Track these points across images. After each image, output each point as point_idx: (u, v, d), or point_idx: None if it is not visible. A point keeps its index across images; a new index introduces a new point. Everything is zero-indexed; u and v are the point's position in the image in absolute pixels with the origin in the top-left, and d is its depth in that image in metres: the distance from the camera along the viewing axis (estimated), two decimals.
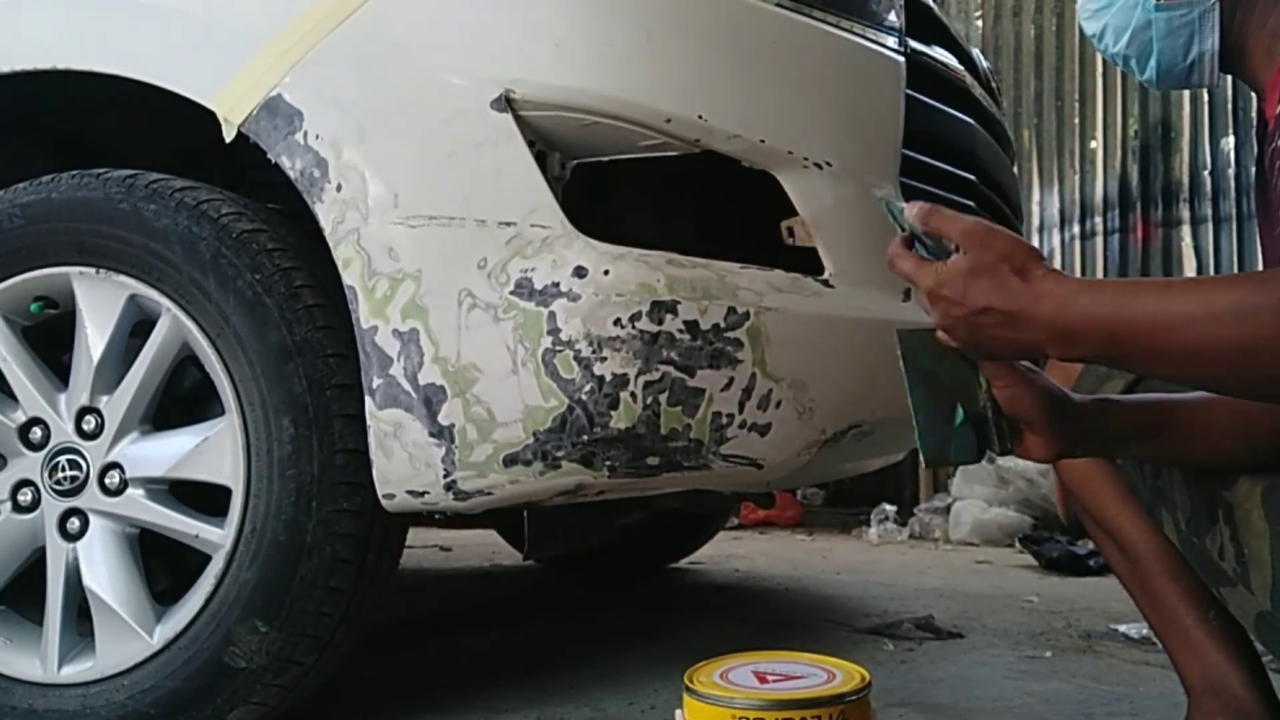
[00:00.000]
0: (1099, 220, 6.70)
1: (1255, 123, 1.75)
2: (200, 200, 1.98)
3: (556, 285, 1.75)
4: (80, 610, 2.04)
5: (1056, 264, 6.59)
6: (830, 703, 1.32)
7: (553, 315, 1.74)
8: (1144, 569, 1.82)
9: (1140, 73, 1.73)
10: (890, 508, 6.27)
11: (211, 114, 1.95)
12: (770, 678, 1.41)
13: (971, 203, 2.39)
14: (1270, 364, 1.19)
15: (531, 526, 2.36)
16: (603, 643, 3.14)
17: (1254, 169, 1.85)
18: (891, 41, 2.13)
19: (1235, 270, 6.21)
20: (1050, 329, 1.29)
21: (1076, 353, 1.31)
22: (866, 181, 2.02)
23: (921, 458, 1.48)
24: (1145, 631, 2.96)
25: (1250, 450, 1.49)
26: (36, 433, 2.07)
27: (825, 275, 1.95)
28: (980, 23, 7.20)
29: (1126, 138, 6.66)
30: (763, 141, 1.89)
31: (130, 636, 1.97)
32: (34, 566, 2.09)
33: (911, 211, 1.40)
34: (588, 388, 1.75)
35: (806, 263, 1.95)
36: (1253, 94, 1.72)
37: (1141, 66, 1.72)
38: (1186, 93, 6.38)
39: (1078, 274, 6.74)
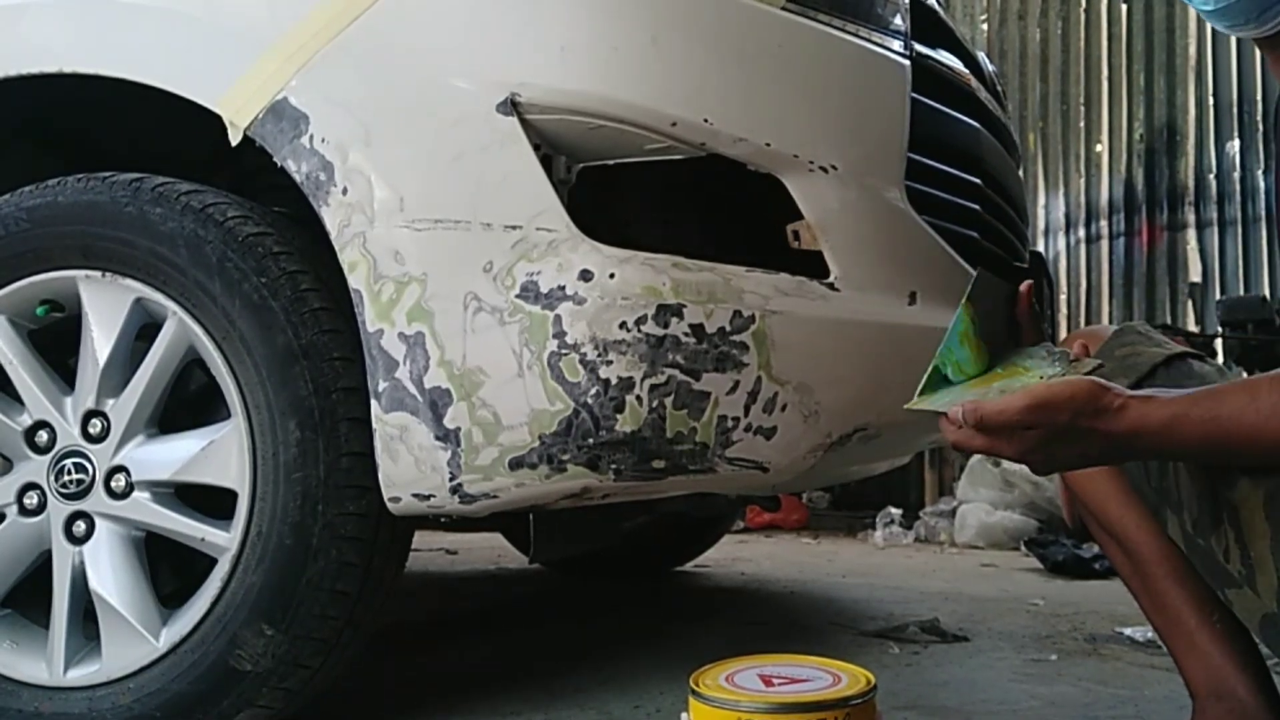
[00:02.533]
0: (1104, 224, 6.70)
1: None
2: (206, 204, 1.98)
3: (562, 288, 1.75)
4: (86, 613, 2.04)
5: (1062, 267, 6.61)
6: (835, 706, 1.32)
7: (558, 318, 1.75)
8: (1147, 571, 1.81)
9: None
10: (896, 511, 6.27)
11: (217, 117, 1.95)
12: (776, 681, 1.41)
13: (976, 206, 2.39)
14: None
15: (537, 530, 2.36)
16: (608, 646, 3.15)
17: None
18: (897, 45, 2.13)
19: (1240, 274, 6.22)
20: (1152, 454, 1.44)
21: (1175, 454, 1.43)
22: (872, 185, 2.03)
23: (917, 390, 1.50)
24: (1150, 635, 2.96)
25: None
26: (43, 436, 2.07)
27: (831, 279, 1.95)
28: (986, 26, 7.21)
29: (1132, 141, 6.67)
30: (768, 145, 1.89)
31: (136, 640, 1.97)
32: (40, 570, 2.09)
33: (957, 414, 1.43)
34: (593, 391, 1.75)
35: (812, 266, 1.95)
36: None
37: None
38: (1192, 96, 6.39)
39: (1083, 277, 6.74)
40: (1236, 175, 6.26)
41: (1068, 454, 1.40)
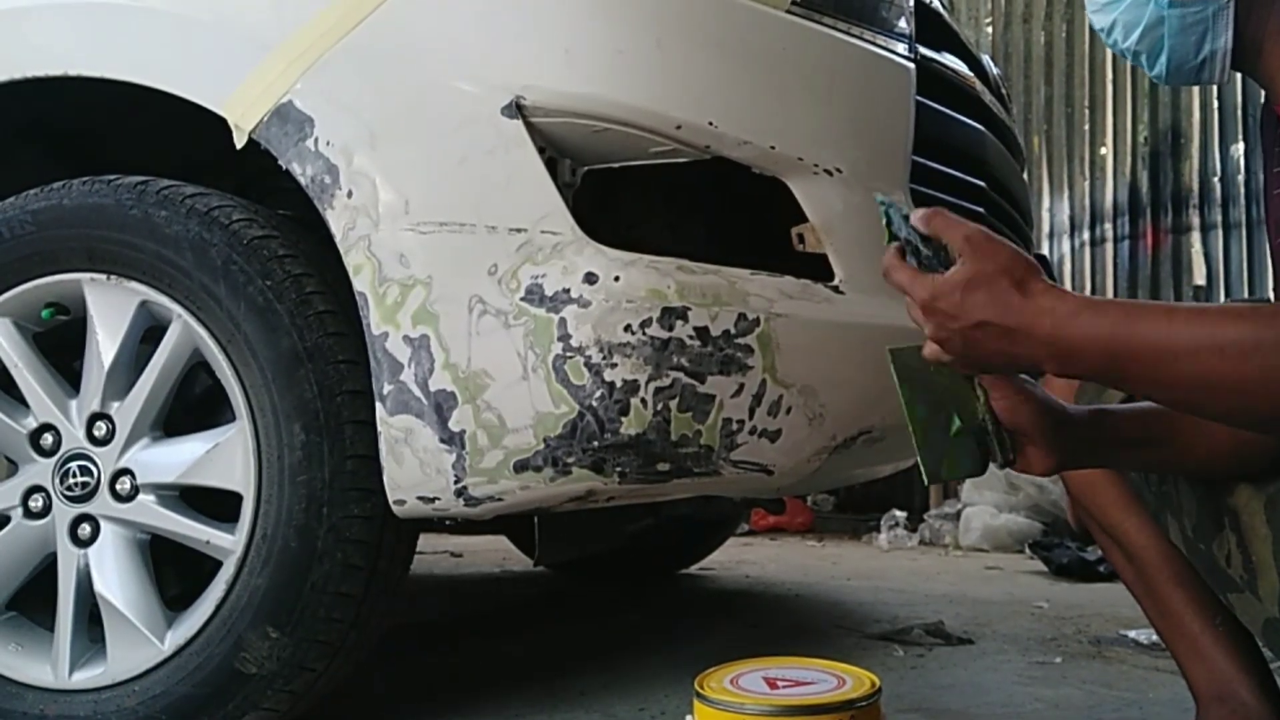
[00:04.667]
0: (1109, 226, 6.70)
1: (1262, 124, 1.74)
2: (211, 207, 1.98)
3: (567, 291, 1.75)
4: (91, 616, 2.04)
5: (1067, 270, 6.60)
6: (840, 708, 1.32)
7: (563, 321, 1.75)
8: (1150, 575, 1.81)
9: (1150, 68, 1.72)
10: (900, 514, 6.26)
11: (223, 120, 1.95)
12: (780, 683, 1.41)
13: (981, 209, 2.39)
14: (1273, 401, 1.20)
15: (542, 532, 2.37)
16: (613, 648, 3.15)
17: (1263, 175, 1.84)
18: (902, 48, 2.13)
19: (1245, 277, 6.21)
20: (1049, 346, 1.29)
21: (1074, 371, 1.32)
22: (876, 188, 2.03)
23: (924, 475, 1.48)
24: (1155, 637, 2.95)
25: (1243, 464, 1.49)
26: (48, 439, 2.08)
27: (835, 281, 1.95)
28: (990, 29, 7.20)
29: (1136, 144, 6.66)
30: (773, 148, 1.89)
31: (141, 642, 1.97)
32: (45, 572, 2.09)
33: (917, 216, 1.40)
34: (598, 394, 1.75)
35: (816, 269, 1.95)
36: (1262, 100, 1.71)
37: (1151, 63, 1.70)
38: (1196, 99, 6.38)
39: (1088, 280, 6.73)
40: (1241, 178, 6.25)
41: (971, 310, 1.31)
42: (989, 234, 1.34)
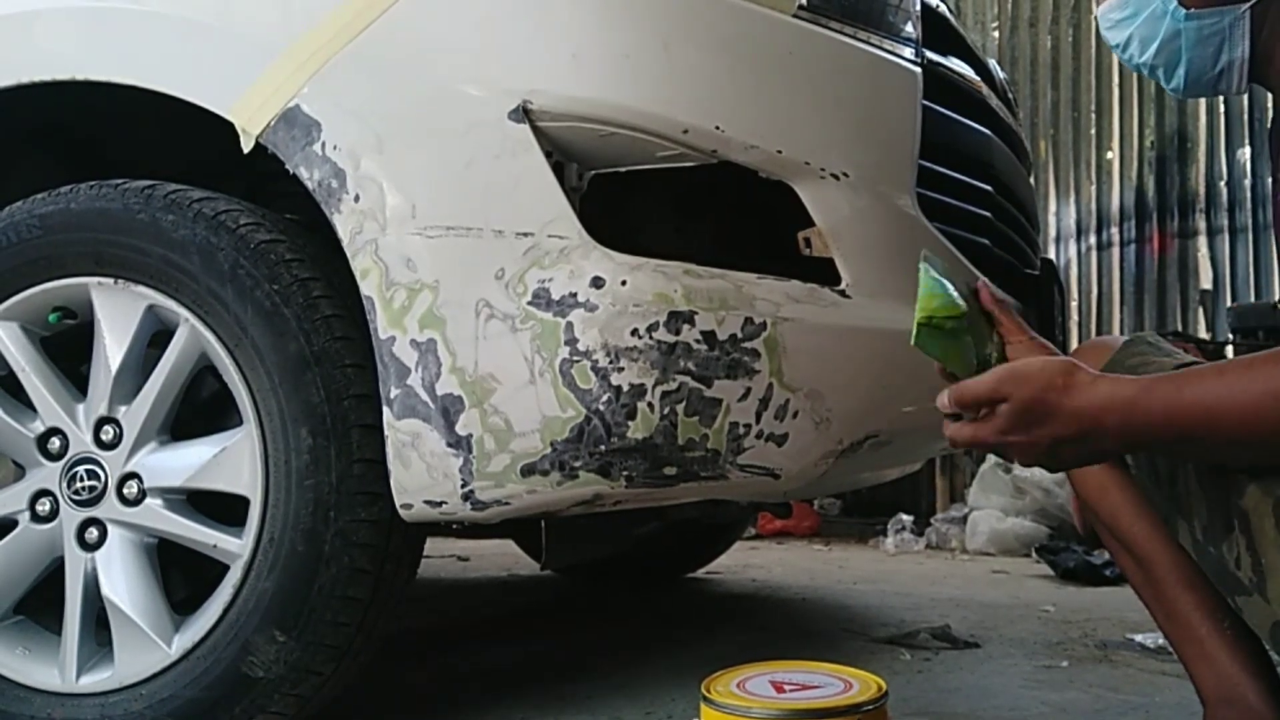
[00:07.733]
0: (1115, 231, 6.69)
1: (1271, 132, 1.74)
2: (218, 211, 1.99)
3: (574, 295, 1.75)
4: (98, 620, 2.04)
5: (1073, 275, 6.59)
6: (847, 712, 1.33)
7: (570, 325, 1.75)
8: (1158, 579, 1.81)
9: (1167, 81, 1.73)
10: (907, 518, 6.26)
11: (229, 124, 1.96)
12: (787, 687, 1.41)
13: (988, 213, 2.39)
14: None
15: (549, 536, 2.36)
16: (620, 652, 3.15)
17: (1270, 180, 1.85)
18: (908, 52, 2.13)
19: (1251, 281, 6.20)
20: (1121, 435, 1.38)
21: (1149, 449, 1.43)
22: (883, 192, 2.03)
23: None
24: (1161, 641, 2.96)
25: (1270, 452, 1.49)
26: (55, 443, 2.08)
27: (842, 286, 1.95)
28: (997, 33, 7.19)
29: (1143, 149, 6.65)
30: (780, 152, 1.89)
31: (148, 646, 1.97)
32: (52, 576, 2.09)
33: (942, 400, 1.47)
34: (605, 398, 1.75)
35: (823, 273, 1.95)
36: (1269, 106, 1.72)
37: (1169, 76, 1.71)
38: (1203, 104, 6.38)
39: (1094, 285, 6.73)
40: (1247, 182, 6.24)
41: (1041, 434, 1.39)
42: (1011, 367, 1.44)
